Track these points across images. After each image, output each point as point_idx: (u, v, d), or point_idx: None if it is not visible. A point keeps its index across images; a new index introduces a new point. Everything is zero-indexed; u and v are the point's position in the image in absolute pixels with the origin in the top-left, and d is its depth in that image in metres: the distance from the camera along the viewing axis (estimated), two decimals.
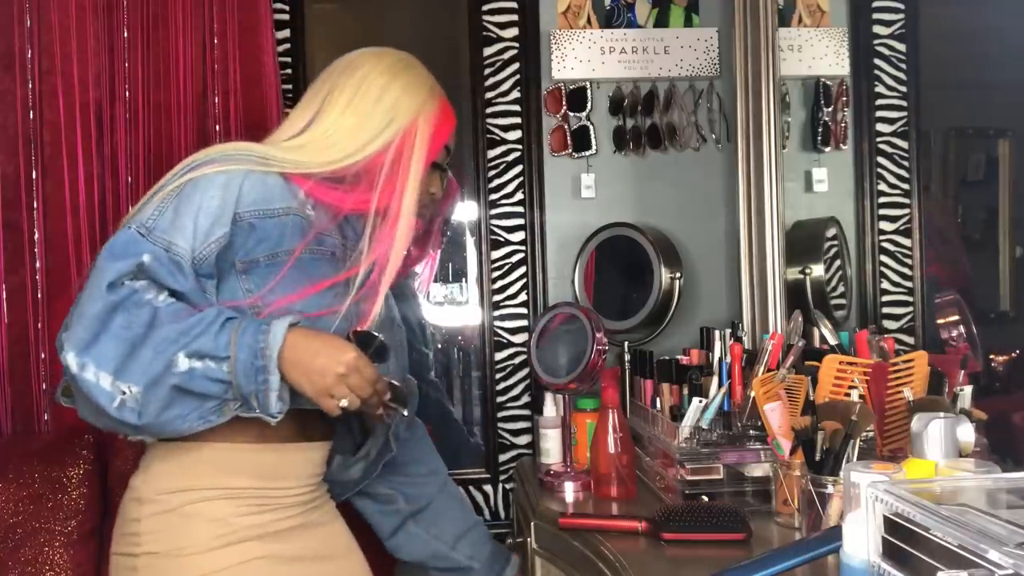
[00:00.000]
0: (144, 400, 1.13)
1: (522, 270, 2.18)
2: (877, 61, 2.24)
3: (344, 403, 1.19)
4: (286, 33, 2.11)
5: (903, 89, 2.24)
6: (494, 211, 2.18)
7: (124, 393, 1.13)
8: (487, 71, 2.17)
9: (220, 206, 1.23)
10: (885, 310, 2.23)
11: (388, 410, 1.26)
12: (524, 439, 2.18)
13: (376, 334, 1.25)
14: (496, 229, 2.18)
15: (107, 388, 1.12)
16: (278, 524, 1.28)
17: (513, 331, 2.18)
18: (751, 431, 1.59)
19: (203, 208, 1.22)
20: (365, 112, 1.35)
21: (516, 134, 2.18)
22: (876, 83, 2.24)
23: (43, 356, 1.92)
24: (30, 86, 1.93)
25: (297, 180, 1.31)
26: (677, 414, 1.65)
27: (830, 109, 2.22)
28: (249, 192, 1.26)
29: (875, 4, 2.24)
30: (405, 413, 1.31)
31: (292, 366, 1.17)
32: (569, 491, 1.74)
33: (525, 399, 2.18)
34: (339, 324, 1.28)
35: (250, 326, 1.18)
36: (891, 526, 0.85)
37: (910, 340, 2.22)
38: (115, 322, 1.14)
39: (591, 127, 2.18)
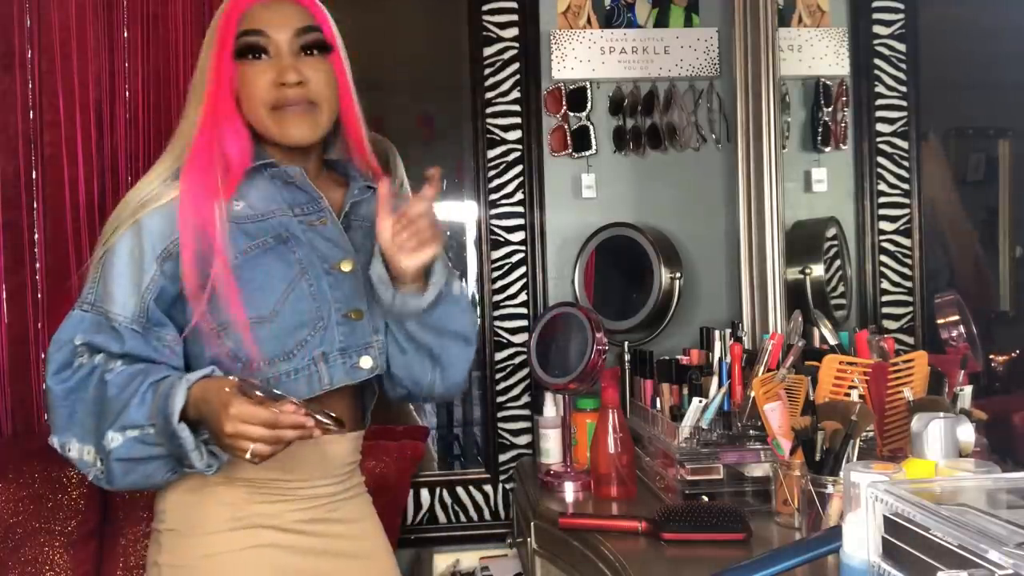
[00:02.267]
0: (107, 471, 1.19)
1: (522, 270, 2.18)
2: (877, 61, 2.24)
3: (248, 456, 1.10)
4: None
5: (903, 89, 2.24)
6: (494, 211, 2.18)
7: (94, 465, 1.19)
8: (487, 71, 2.17)
9: (139, 256, 1.22)
10: (885, 310, 2.23)
11: (324, 430, 1.14)
12: (524, 439, 2.18)
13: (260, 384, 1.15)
14: (496, 229, 2.18)
15: (88, 459, 1.19)
16: (295, 515, 1.28)
17: (513, 331, 2.18)
18: (751, 431, 1.59)
19: (120, 269, 1.22)
20: (192, 90, 1.29)
21: (516, 134, 2.18)
22: (876, 83, 2.24)
23: (43, 356, 1.92)
24: (30, 86, 1.93)
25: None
26: (677, 414, 1.65)
27: (830, 109, 2.22)
28: (159, 226, 1.23)
29: (875, 4, 2.24)
30: (341, 430, 1.18)
31: (202, 423, 1.16)
32: (569, 491, 1.75)
33: (525, 399, 2.17)
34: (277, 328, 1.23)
35: (165, 390, 1.16)
36: (891, 526, 0.85)
37: (910, 340, 2.22)
38: (75, 401, 1.20)
39: (591, 127, 2.18)
